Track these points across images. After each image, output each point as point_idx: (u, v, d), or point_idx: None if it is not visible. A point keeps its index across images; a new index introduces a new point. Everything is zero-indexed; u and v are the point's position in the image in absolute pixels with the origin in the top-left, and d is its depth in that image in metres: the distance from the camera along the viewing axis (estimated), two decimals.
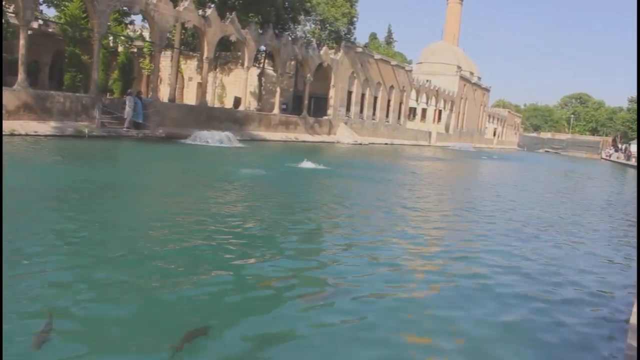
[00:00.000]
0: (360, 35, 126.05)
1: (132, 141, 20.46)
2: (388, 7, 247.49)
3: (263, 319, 4.23)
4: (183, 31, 30.68)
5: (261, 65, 37.98)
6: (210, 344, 3.70)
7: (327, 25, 40.23)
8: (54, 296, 4.27)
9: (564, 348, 4.28)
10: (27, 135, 17.29)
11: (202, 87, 28.93)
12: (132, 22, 35.09)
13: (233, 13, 27.99)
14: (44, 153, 14.64)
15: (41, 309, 3.95)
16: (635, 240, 9.34)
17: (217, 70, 40.36)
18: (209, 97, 34.12)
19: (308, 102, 36.15)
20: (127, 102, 21.93)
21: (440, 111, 58.90)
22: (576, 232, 9.76)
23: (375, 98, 44.36)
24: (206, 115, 27.18)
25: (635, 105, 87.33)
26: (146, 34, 33.83)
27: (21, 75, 18.79)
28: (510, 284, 5.82)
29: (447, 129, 59.75)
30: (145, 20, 27.01)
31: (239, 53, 31.17)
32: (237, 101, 34.64)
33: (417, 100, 54.03)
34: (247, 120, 30.10)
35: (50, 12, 45.76)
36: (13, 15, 25.54)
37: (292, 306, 4.58)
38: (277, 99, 33.65)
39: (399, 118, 48.84)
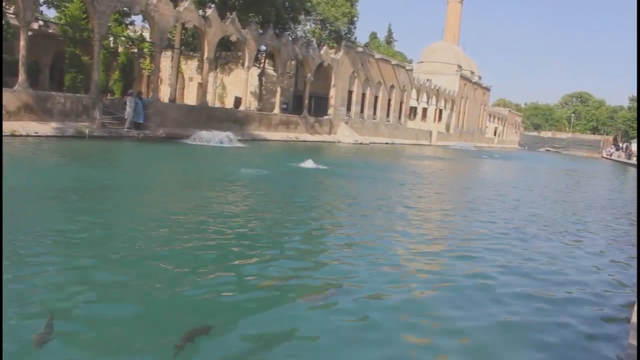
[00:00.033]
0: (361, 35, 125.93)
1: (132, 141, 20.47)
2: (388, 7, 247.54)
3: (264, 319, 4.23)
4: (183, 31, 30.70)
5: (262, 65, 37.97)
6: (212, 344, 3.70)
7: (328, 24, 40.22)
8: (54, 296, 4.27)
9: (565, 348, 4.28)
10: (27, 136, 17.31)
11: (202, 87, 28.94)
12: (132, 23, 35.12)
13: (233, 13, 28.00)
14: (45, 154, 14.65)
15: (41, 309, 3.96)
16: (635, 239, 9.33)
17: (218, 70, 40.36)
18: (209, 97, 34.11)
19: (308, 101, 36.15)
20: (127, 103, 21.94)
21: (440, 110, 58.89)
22: (577, 231, 9.75)
23: (376, 97, 44.35)
24: (207, 116, 27.19)
25: (636, 104, 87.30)
26: (146, 35, 33.84)
27: (22, 76, 18.82)
28: (511, 283, 5.81)
29: (447, 128, 59.73)
30: (146, 21, 27.03)
31: (240, 53, 31.18)
32: (238, 101, 34.64)
33: (417, 100, 54.04)
34: (247, 120, 30.11)
35: (51, 13, 45.87)
36: (13, 16, 25.54)
37: (293, 306, 4.58)
38: (277, 99, 33.65)
39: (399, 117, 48.82)
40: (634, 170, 41.29)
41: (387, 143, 42.62)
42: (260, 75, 39.09)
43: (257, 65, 36.96)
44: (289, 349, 3.81)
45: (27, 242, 5.57)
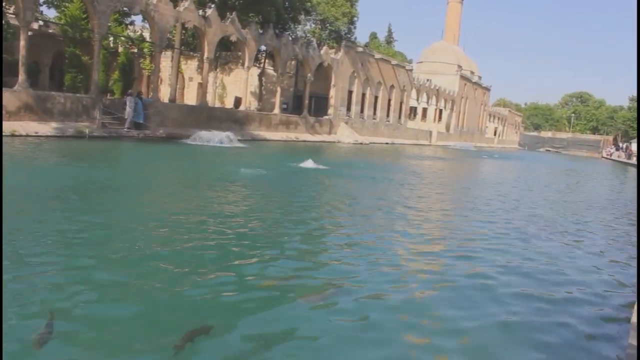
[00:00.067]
0: (361, 35, 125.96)
1: (132, 141, 20.47)
2: (388, 7, 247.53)
3: (264, 319, 4.23)
4: (183, 31, 30.69)
5: (262, 65, 37.97)
6: (212, 344, 3.70)
7: (328, 24, 40.23)
8: (54, 296, 4.27)
9: (565, 348, 4.28)
10: (27, 136, 17.31)
11: (202, 87, 28.94)
12: (132, 23, 35.12)
13: (233, 13, 28.00)
14: (45, 154, 14.65)
15: (41, 309, 3.95)
16: (635, 239, 9.33)
17: (218, 70, 40.36)
18: (209, 97, 34.11)
19: (308, 101, 36.15)
20: (127, 103, 21.95)
21: (440, 110, 58.89)
22: (577, 231, 9.75)
23: (376, 97, 44.35)
24: (207, 116, 27.19)
25: (636, 104, 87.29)
26: (146, 35, 33.85)
27: (22, 76, 18.82)
28: (511, 283, 5.81)
29: (447, 128, 59.73)
30: (146, 21, 27.03)
31: (240, 53, 31.18)
32: (238, 101, 34.64)
33: (417, 100, 54.05)
34: (247, 120, 30.11)
35: (51, 13, 45.87)
36: (13, 16, 25.54)
37: (293, 306, 4.58)
38: (277, 99, 33.65)
39: (399, 117, 48.82)
40: (633, 170, 41.29)
41: (387, 143, 42.62)
42: (260, 75, 39.09)
43: (257, 65, 36.97)
44: (289, 349, 3.81)
45: (27, 242, 5.57)
